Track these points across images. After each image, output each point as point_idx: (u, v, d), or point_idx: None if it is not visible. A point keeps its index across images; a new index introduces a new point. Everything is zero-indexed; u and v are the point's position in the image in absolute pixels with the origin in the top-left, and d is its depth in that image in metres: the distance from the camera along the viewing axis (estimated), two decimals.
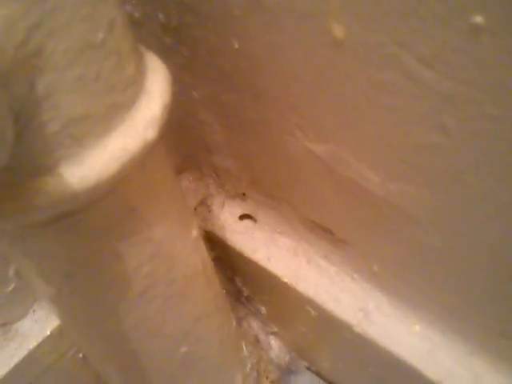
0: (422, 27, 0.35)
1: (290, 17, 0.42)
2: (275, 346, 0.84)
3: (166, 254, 0.48)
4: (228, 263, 0.77)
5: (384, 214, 0.51)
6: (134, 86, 0.38)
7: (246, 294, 0.82)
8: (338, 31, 0.40)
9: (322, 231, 0.62)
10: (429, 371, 0.56)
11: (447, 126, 0.39)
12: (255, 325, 0.85)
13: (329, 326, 0.66)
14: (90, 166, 0.36)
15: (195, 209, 0.76)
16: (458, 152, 0.40)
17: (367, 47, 0.39)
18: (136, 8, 0.57)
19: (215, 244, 0.74)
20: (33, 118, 0.32)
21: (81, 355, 0.74)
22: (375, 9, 0.36)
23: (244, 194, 0.72)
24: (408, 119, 0.41)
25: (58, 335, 0.70)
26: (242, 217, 0.75)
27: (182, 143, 0.73)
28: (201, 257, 0.55)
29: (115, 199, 0.41)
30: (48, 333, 0.69)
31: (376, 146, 0.45)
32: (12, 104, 0.30)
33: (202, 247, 0.57)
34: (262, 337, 0.84)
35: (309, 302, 0.66)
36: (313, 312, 0.67)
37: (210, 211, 0.76)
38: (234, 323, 0.70)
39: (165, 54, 0.43)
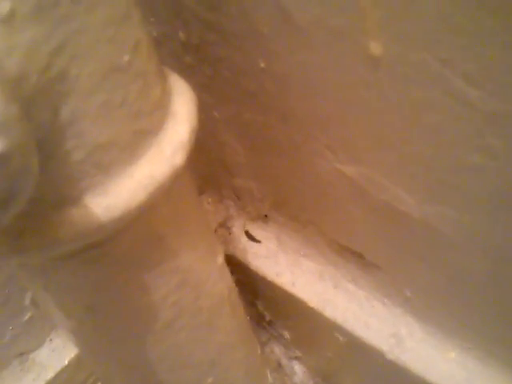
0: (468, 43, 0.32)
1: (322, 34, 0.40)
2: (299, 372, 0.82)
3: (192, 283, 0.47)
4: (249, 287, 0.75)
5: (419, 237, 0.49)
6: (160, 110, 0.37)
7: (268, 318, 0.80)
8: (375, 49, 0.38)
9: (351, 255, 0.60)
10: None
11: (492, 146, 0.37)
12: (277, 350, 0.83)
13: (358, 352, 0.64)
14: (116, 195, 0.34)
15: (215, 231, 0.74)
16: (504, 174, 0.38)
17: (406, 65, 0.37)
18: (155, 27, 0.56)
19: (236, 267, 0.72)
20: (56, 147, 0.31)
21: None
22: (416, 26, 0.34)
23: (266, 216, 0.70)
24: (449, 139, 0.39)
25: (75, 365, 0.69)
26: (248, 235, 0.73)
27: (201, 164, 0.71)
28: (226, 284, 0.54)
29: (142, 228, 0.39)
30: (66, 362, 0.68)
31: (413, 168, 0.43)
32: (35, 133, 0.28)
33: (227, 274, 0.55)
34: (284, 362, 0.82)
35: (337, 327, 0.64)
36: (341, 338, 0.64)
37: (230, 234, 0.74)
38: (259, 350, 0.68)
39: (184, 74, 0.42)
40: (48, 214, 0.33)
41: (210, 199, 0.77)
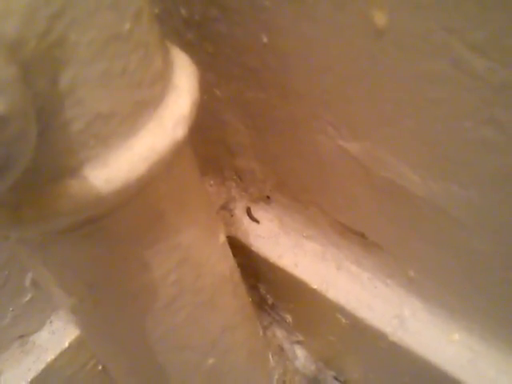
0: (477, 10, 0.32)
1: (325, 5, 0.39)
2: (301, 356, 0.81)
3: (193, 261, 0.46)
4: (251, 270, 0.74)
5: (424, 216, 0.48)
6: (161, 82, 0.36)
7: (270, 301, 0.79)
8: (380, 19, 0.37)
9: (354, 235, 0.59)
10: (471, 382, 0.53)
11: (500, 119, 0.36)
12: (279, 334, 0.83)
13: (361, 334, 0.63)
14: (115, 167, 0.33)
15: (217, 213, 0.74)
16: None
17: (412, 35, 0.36)
18: (156, 4, 0.55)
19: (238, 250, 0.71)
20: (55, 116, 0.30)
21: (100, 367, 0.72)
22: None
23: (268, 198, 0.70)
24: (456, 113, 0.38)
25: (76, 347, 0.68)
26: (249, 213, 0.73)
27: (203, 145, 0.71)
28: (228, 263, 0.53)
29: (142, 203, 0.38)
30: (66, 345, 0.67)
31: (418, 143, 0.43)
32: (33, 100, 0.28)
33: (229, 253, 0.54)
34: (286, 346, 0.82)
35: (339, 309, 0.63)
36: (343, 320, 0.64)
37: (232, 215, 0.73)
38: (261, 333, 0.67)
39: (186, 52, 0.41)
40: (46, 186, 0.32)
41: (211, 181, 0.77)
